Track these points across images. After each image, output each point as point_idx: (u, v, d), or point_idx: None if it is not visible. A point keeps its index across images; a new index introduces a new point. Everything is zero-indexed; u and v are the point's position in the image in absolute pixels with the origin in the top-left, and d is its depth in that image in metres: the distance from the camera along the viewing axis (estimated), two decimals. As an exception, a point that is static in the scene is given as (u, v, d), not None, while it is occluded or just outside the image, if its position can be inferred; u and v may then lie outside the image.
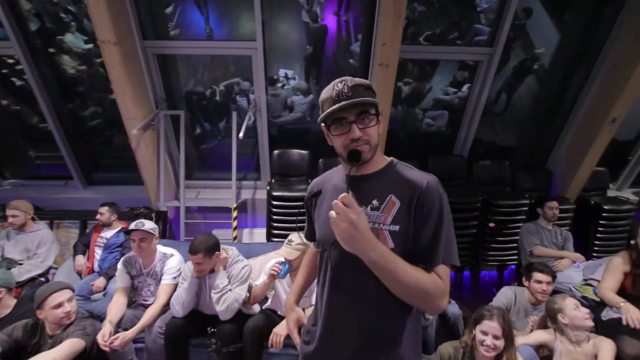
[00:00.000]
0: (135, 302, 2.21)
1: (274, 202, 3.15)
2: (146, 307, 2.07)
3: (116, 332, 1.83)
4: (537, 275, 2.06)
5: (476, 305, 2.33)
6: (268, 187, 3.28)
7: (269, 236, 3.29)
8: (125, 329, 1.89)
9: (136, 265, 2.15)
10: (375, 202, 0.90)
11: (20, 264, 2.65)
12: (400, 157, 1.01)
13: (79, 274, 2.79)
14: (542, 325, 1.91)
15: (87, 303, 2.39)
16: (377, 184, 0.93)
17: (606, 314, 2.07)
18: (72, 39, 3.11)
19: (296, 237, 1.88)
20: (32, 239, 2.74)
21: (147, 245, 2.07)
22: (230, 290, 1.89)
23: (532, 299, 2.13)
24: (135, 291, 2.17)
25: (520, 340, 1.77)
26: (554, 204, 3.01)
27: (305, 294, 1.93)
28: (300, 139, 3.65)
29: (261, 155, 3.65)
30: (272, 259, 2.01)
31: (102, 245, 2.79)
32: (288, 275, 1.91)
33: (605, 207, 3.47)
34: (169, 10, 3.07)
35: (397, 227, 0.87)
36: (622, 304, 1.95)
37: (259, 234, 3.57)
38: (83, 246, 2.89)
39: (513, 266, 3.58)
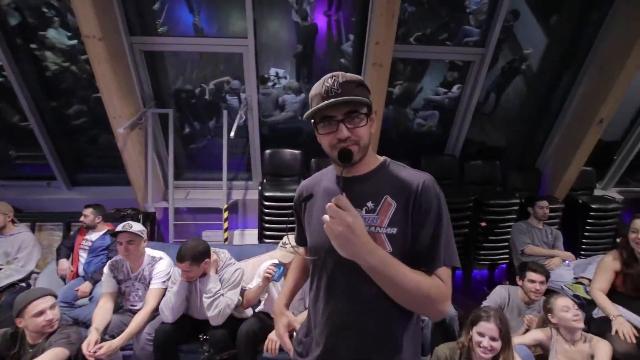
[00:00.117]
0: (123, 308, 2.13)
1: (266, 203, 3.10)
2: (134, 312, 2.00)
3: (103, 339, 1.75)
4: (531, 275, 2.07)
5: (468, 304, 2.34)
6: (260, 188, 3.22)
7: (261, 237, 3.23)
8: (112, 336, 1.82)
9: (123, 269, 2.07)
10: (370, 204, 0.87)
11: (0, 269, 2.53)
12: (392, 157, 0.98)
13: (63, 278, 2.68)
14: (542, 324, 1.92)
15: (71, 309, 2.30)
16: (370, 185, 0.89)
17: (597, 312, 2.09)
18: (55, 35, 2.99)
19: (291, 239, 1.83)
20: (12, 242, 2.63)
21: (135, 248, 1.99)
22: (222, 295, 1.83)
23: (525, 298, 2.14)
24: (123, 296, 2.09)
25: (517, 339, 1.77)
26: (545, 203, 3.04)
27: (300, 296, 1.90)
28: (291, 138, 3.60)
29: (252, 155, 3.59)
30: (266, 262, 1.96)
31: (87, 248, 2.69)
32: (282, 278, 1.87)
33: (593, 206, 3.53)
34: (156, 6, 2.98)
35: (394, 230, 0.84)
36: (613, 317, 1.95)
37: (250, 235, 3.51)
38: (67, 249, 2.78)
39: (504, 265, 3.62)
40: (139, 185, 3.23)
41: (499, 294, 2.23)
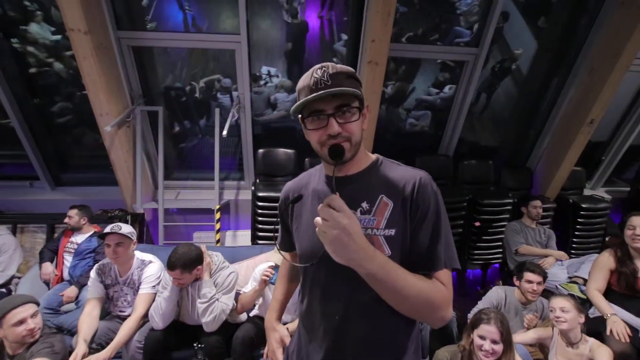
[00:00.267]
0: (110, 314, 2.03)
1: (259, 203, 3.03)
2: (122, 318, 1.91)
3: (90, 349, 1.67)
4: (528, 275, 2.06)
5: (462, 304, 2.32)
6: (253, 188, 3.16)
7: (254, 239, 3.16)
8: (100, 344, 1.73)
9: (111, 274, 1.97)
10: (365, 204, 0.81)
11: (-22, 274, 2.41)
12: (385, 157, 0.92)
13: (47, 283, 2.57)
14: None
15: (55, 316, 2.19)
16: (364, 185, 0.84)
17: (593, 312, 2.10)
18: (38, 30, 2.87)
19: None
20: (-8, 245, 2.50)
21: (124, 250, 1.90)
22: (217, 300, 1.76)
23: (522, 298, 2.13)
24: (110, 302, 1.99)
25: (518, 338, 1.76)
26: (538, 203, 3.06)
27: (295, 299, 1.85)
28: (284, 137, 3.55)
29: (244, 155, 3.52)
30: (261, 264, 1.90)
31: (73, 251, 2.58)
32: None
33: (583, 206, 3.57)
34: (144, 2, 2.88)
35: (392, 231, 0.78)
36: (607, 316, 1.96)
37: (243, 237, 3.44)
38: (51, 252, 2.66)
39: (497, 265, 3.63)
40: (127, 185, 3.13)
41: (495, 295, 2.22)
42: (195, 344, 1.64)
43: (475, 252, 3.50)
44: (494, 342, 1.51)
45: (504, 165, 3.93)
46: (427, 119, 3.75)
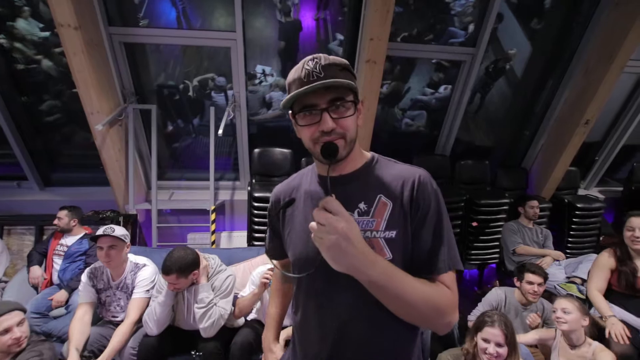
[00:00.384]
0: (102, 319, 1.96)
1: (256, 204, 2.98)
2: (115, 324, 1.84)
3: (82, 357, 1.59)
4: (529, 276, 2.05)
5: (460, 305, 2.29)
6: (249, 188, 3.10)
7: (250, 240, 3.11)
8: (92, 352, 1.66)
9: (103, 277, 1.90)
10: (362, 205, 0.76)
11: (-38, 278, 2.32)
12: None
13: (35, 287, 2.48)
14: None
15: (44, 322, 2.10)
16: (361, 185, 0.79)
17: (594, 312, 2.10)
18: (25, 26, 2.78)
19: None
20: (-23, 248, 2.40)
21: (117, 253, 1.83)
22: (215, 304, 1.70)
23: (522, 299, 2.12)
24: (102, 306, 1.91)
25: (519, 339, 1.74)
26: (535, 203, 3.07)
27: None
28: (280, 137, 3.50)
29: (240, 154, 3.46)
30: (259, 267, 1.85)
31: (62, 253, 2.50)
32: None
33: (579, 206, 3.58)
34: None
35: (393, 233, 0.73)
36: (605, 318, 1.95)
37: (238, 238, 3.38)
38: (39, 255, 2.57)
39: (493, 265, 3.63)
40: (118, 185, 3.05)
41: (495, 296, 2.20)
42: (192, 352, 1.58)
43: (472, 252, 3.49)
44: (498, 345, 1.49)
45: (499, 165, 3.94)
46: (423, 119, 3.74)
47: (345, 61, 0.74)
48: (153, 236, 3.08)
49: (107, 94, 2.74)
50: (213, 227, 3.13)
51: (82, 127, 3.02)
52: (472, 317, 2.11)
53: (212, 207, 3.11)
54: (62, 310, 2.23)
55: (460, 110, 3.49)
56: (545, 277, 2.06)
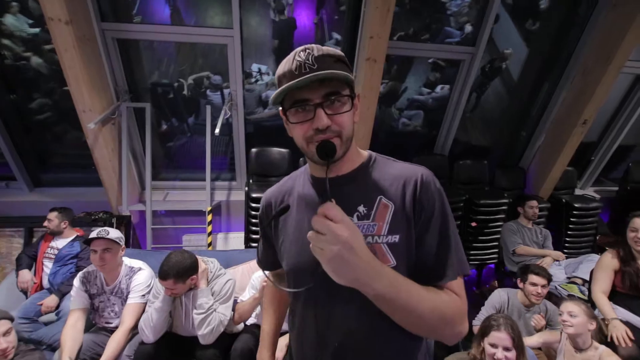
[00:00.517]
0: (96, 326, 1.88)
1: (253, 205, 2.92)
2: (109, 330, 1.77)
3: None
4: (533, 278, 2.02)
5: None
6: (246, 188, 3.04)
7: (247, 241, 3.05)
8: (84, 360, 1.59)
9: (97, 282, 1.83)
10: (362, 208, 0.71)
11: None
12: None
13: (24, 292, 2.39)
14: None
15: (34, 328, 2.02)
16: (359, 186, 0.73)
17: (598, 314, 2.08)
18: (14, 22, 2.68)
19: None
20: (-37, 252, 2.31)
21: (112, 257, 1.75)
22: (215, 310, 1.64)
23: (525, 301, 2.10)
24: (96, 312, 1.84)
25: (526, 341, 1.71)
26: (535, 203, 3.06)
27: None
28: (277, 136, 3.43)
29: (236, 154, 3.39)
30: (258, 270, 1.79)
31: (53, 256, 2.41)
32: None
33: (576, 205, 3.59)
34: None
35: (396, 237, 0.68)
36: (608, 321, 1.94)
37: (235, 239, 3.32)
38: (29, 258, 2.49)
39: (492, 265, 3.62)
40: (111, 186, 2.96)
41: (498, 298, 2.17)
42: (191, 360, 1.52)
43: (471, 252, 3.47)
44: (506, 349, 1.46)
45: (497, 165, 3.93)
46: (420, 119, 3.73)
47: (340, 52, 0.68)
48: (147, 238, 3.00)
49: (100, 91, 2.66)
50: (209, 229, 3.06)
51: (73, 126, 2.93)
52: (476, 322, 2.08)
53: (209, 208, 3.05)
54: (52, 316, 2.16)
55: (459, 109, 3.47)
56: (549, 278, 2.04)
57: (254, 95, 3.31)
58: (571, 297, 2.39)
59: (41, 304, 2.17)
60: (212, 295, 1.69)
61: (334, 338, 0.73)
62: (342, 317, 0.71)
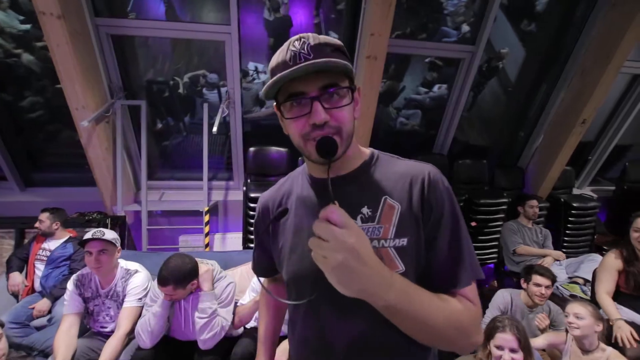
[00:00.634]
0: (90, 330, 1.82)
1: (252, 204, 2.87)
2: (104, 335, 1.71)
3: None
4: (537, 279, 2.00)
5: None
6: (244, 188, 2.99)
7: (246, 242, 3.00)
8: (78, 367, 1.53)
9: (91, 285, 1.76)
10: (365, 210, 0.66)
11: None
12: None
13: (15, 295, 2.32)
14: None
15: (26, 334, 1.96)
16: (362, 186, 0.68)
17: (602, 315, 2.07)
18: (4, 18, 2.61)
19: None
20: (-49, 254, 2.23)
21: (108, 259, 1.69)
22: (217, 315, 1.58)
23: (529, 301, 2.07)
24: (90, 317, 1.77)
25: (531, 343, 1.69)
26: (535, 202, 3.05)
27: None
28: (275, 135, 3.39)
29: (234, 153, 3.34)
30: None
31: (45, 258, 2.34)
32: None
33: (574, 205, 3.59)
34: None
35: (404, 241, 0.63)
36: (612, 322, 1.92)
37: (233, 240, 3.27)
38: (20, 261, 2.42)
39: (491, 265, 3.61)
40: (106, 185, 2.89)
41: (501, 299, 2.14)
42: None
43: (471, 252, 3.46)
44: (512, 350, 1.43)
45: (496, 165, 3.92)
46: (417, 118, 3.71)
47: (338, 41, 0.62)
48: (143, 239, 2.94)
49: (94, 88, 2.59)
50: (207, 229, 3.00)
51: (66, 125, 2.86)
52: (481, 325, 2.05)
53: (206, 209, 2.99)
54: (43, 321, 2.09)
55: (458, 108, 3.45)
56: (553, 279, 2.01)
57: (251, 93, 3.27)
58: (574, 297, 2.38)
59: (33, 308, 2.10)
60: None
61: (338, 351, 0.68)
62: (348, 330, 0.67)
